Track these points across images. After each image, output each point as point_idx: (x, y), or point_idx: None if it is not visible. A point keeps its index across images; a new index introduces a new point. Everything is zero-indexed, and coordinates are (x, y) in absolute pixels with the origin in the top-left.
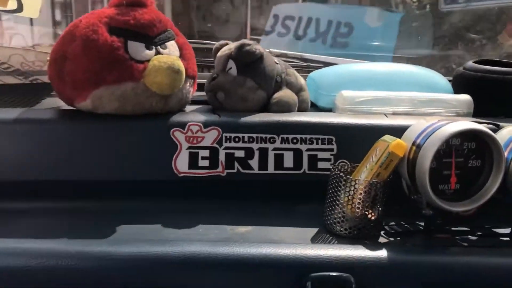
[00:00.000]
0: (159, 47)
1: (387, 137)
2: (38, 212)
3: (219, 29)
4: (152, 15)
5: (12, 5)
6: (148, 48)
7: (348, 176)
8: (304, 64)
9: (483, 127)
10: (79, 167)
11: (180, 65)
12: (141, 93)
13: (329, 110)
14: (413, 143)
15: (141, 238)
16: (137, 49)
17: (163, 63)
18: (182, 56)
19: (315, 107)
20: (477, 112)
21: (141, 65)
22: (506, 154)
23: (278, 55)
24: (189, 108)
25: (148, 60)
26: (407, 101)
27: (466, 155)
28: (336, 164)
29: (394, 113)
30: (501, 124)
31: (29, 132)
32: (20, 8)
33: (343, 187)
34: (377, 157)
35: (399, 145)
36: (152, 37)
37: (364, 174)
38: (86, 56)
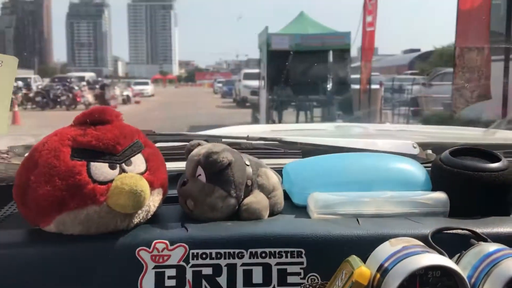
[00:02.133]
0: (123, 164)
1: (353, 260)
2: None
3: None
4: (116, 132)
5: None
6: (112, 167)
7: None
8: (282, 150)
9: (447, 263)
10: None
11: (143, 185)
12: (105, 215)
13: (304, 207)
14: (378, 270)
15: None
16: (100, 170)
17: (125, 185)
18: (148, 169)
19: (290, 201)
20: (454, 208)
21: (104, 186)
22: (474, 279)
23: (256, 140)
24: (161, 210)
25: (112, 180)
26: (381, 202)
27: (431, 283)
28: (304, 283)
29: (368, 216)
30: (478, 230)
31: None
32: None
33: None
34: (342, 283)
35: (362, 274)
36: (115, 155)
37: None
38: (47, 184)
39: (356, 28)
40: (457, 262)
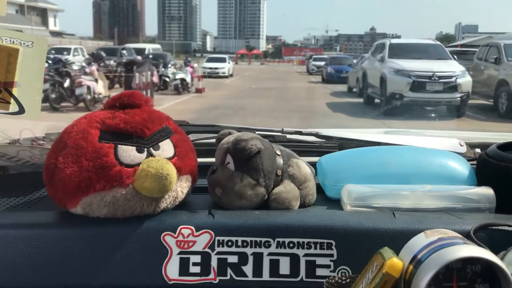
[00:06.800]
0: (151, 148)
1: (385, 251)
2: None
3: None
4: (144, 116)
5: (13, 108)
6: (140, 150)
7: None
8: (317, 144)
9: (489, 256)
10: (70, 272)
11: (170, 168)
12: (131, 198)
13: (338, 200)
14: (411, 262)
15: None
16: (127, 153)
17: (151, 168)
18: (176, 154)
19: (323, 194)
20: (502, 205)
21: (131, 169)
22: None
23: (291, 133)
24: (190, 198)
25: (139, 164)
26: (420, 196)
27: (470, 278)
28: (332, 277)
29: (405, 210)
30: None
31: (22, 236)
32: (21, 110)
33: None
34: (373, 275)
35: (394, 266)
36: (143, 139)
37: None
38: (75, 164)
39: None
40: (501, 259)
